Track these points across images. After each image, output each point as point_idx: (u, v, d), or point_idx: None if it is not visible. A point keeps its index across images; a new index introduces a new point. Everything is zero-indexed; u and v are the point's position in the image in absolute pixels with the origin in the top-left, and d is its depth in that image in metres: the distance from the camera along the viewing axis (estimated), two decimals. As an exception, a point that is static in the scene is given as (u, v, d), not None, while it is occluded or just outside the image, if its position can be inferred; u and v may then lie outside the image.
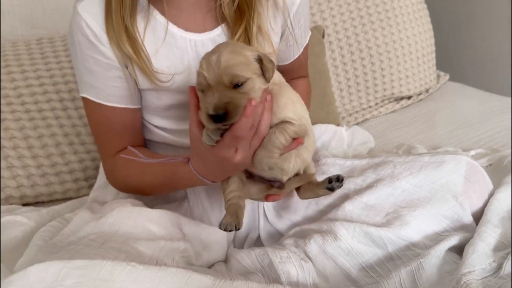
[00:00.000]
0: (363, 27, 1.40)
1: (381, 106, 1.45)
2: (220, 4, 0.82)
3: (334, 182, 0.76)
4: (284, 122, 0.70)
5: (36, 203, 1.02)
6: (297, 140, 0.71)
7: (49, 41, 1.20)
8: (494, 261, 0.70)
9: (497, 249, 0.72)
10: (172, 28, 0.81)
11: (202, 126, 0.67)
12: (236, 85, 0.64)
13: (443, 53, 1.85)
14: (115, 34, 0.77)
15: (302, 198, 0.83)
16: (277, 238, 0.88)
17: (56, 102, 1.09)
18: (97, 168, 1.08)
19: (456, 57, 1.98)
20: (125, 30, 0.78)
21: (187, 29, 0.82)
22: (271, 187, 0.79)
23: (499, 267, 0.68)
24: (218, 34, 0.83)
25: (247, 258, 0.78)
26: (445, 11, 1.97)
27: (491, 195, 0.85)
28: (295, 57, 0.95)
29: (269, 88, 0.70)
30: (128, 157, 0.82)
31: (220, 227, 0.70)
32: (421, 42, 1.49)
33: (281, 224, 0.90)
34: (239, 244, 0.90)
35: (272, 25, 0.87)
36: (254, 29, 0.82)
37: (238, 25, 0.81)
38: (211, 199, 0.88)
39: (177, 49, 0.82)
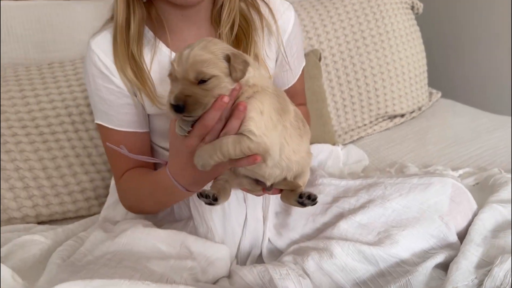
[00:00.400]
0: (357, 50, 1.47)
1: (375, 125, 1.52)
2: (219, 34, 0.89)
3: (304, 198, 0.77)
4: (243, 134, 0.69)
5: (51, 221, 1.09)
6: (252, 157, 0.69)
7: (60, 65, 1.27)
8: (476, 277, 0.76)
9: (479, 266, 0.78)
10: None
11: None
12: (201, 81, 0.67)
13: (435, 71, 1.92)
14: (122, 65, 0.85)
15: (282, 200, 0.85)
16: (277, 255, 0.94)
17: (68, 125, 1.15)
18: (106, 187, 1.14)
19: (448, 74, 2.06)
20: (133, 62, 0.86)
21: None
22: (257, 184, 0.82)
23: (480, 284, 0.74)
24: None
25: (249, 274, 0.84)
26: (437, 31, 2.05)
27: (475, 214, 0.91)
28: (290, 85, 1.01)
29: (242, 90, 0.70)
30: (129, 173, 0.91)
31: (198, 195, 0.74)
32: (414, 63, 1.56)
33: (281, 242, 0.96)
34: (241, 261, 0.95)
35: (267, 51, 0.95)
36: (251, 56, 0.89)
37: None
38: (215, 218, 0.94)
39: None
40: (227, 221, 0.93)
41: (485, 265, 0.78)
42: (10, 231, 0.97)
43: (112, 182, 1.06)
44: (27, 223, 1.04)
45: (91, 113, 1.19)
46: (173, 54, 0.89)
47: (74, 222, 1.07)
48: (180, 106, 0.66)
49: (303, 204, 0.78)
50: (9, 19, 1.31)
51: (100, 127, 0.93)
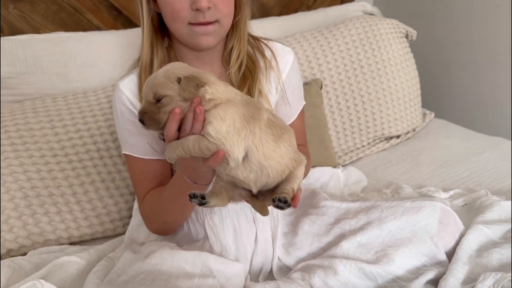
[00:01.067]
0: (356, 77, 1.60)
1: (373, 146, 1.64)
2: (229, 73, 1.04)
3: (276, 201, 0.81)
4: (202, 135, 0.78)
5: (81, 242, 1.20)
6: (215, 155, 0.77)
7: (83, 96, 1.37)
8: (462, 293, 0.88)
9: (465, 282, 0.90)
10: None
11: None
12: (158, 101, 0.79)
13: (429, 92, 2.04)
14: None
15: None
16: (286, 272, 1.05)
17: (93, 152, 1.26)
18: (129, 209, 1.25)
19: (441, 95, 2.18)
20: None
21: None
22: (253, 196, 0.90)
23: (465, 299, 0.86)
24: None
25: (263, 291, 0.95)
26: (430, 52, 2.17)
27: (461, 234, 1.03)
28: (290, 121, 1.12)
29: (203, 104, 0.79)
30: (150, 192, 1.03)
31: (189, 197, 0.82)
32: (408, 88, 1.69)
33: (289, 260, 1.06)
34: (254, 276, 1.06)
35: (269, 88, 1.09)
36: (256, 92, 1.04)
37: (242, 89, 1.02)
38: (228, 237, 1.05)
39: None
40: (239, 240, 1.05)
41: (470, 282, 0.90)
42: (47, 252, 1.08)
43: (135, 205, 1.17)
44: (61, 244, 1.16)
45: (114, 141, 1.30)
46: None
47: (102, 242, 1.19)
48: (141, 121, 0.80)
49: (278, 207, 0.81)
50: (35, 52, 1.42)
51: (127, 157, 1.05)
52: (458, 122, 1.86)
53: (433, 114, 1.87)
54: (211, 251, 1.04)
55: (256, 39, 1.09)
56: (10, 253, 1.10)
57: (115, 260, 1.04)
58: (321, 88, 1.51)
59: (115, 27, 1.70)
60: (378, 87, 1.62)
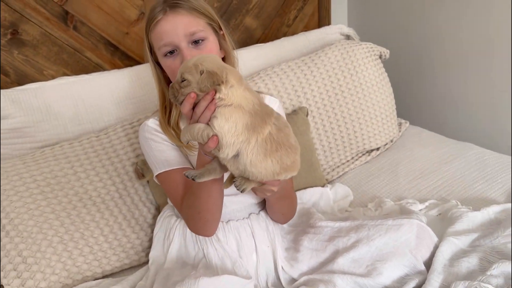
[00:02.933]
0: (338, 101, 1.78)
1: (356, 160, 1.84)
2: None
3: (235, 182, 1.02)
4: (207, 125, 0.94)
5: (112, 274, 1.37)
6: (211, 140, 0.93)
7: (96, 138, 1.50)
8: (437, 299, 1.08)
9: (440, 290, 1.11)
10: None
11: None
12: (182, 81, 0.96)
13: (403, 100, 2.24)
14: (167, 133, 1.24)
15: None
16: (291, 282, 1.25)
17: (114, 193, 1.42)
18: (150, 240, 1.43)
19: (414, 102, 2.38)
20: (173, 130, 1.25)
21: None
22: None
23: (440, 303, 1.07)
24: None
25: (274, 305, 1.15)
26: (402, 62, 2.37)
27: (436, 246, 1.23)
28: None
29: (221, 101, 0.94)
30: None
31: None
32: (384, 105, 1.88)
33: (293, 272, 1.26)
34: (263, 285, 1.25)
35: None
36: None
37: None
38: (232, 247, 1.24)
39: None
40: (241, 251, 1.25)
41: (444, 289, 1.11)
42: (86, 287, 1.25)
43: (155, 232, 1.34)
44: (96, 278, 1.32)
45: (130, 180, 1.46)
46: None
47: (129, 272, 1.37)
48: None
49: (237, 187, 1.01)
50: (46, 99, 1.54)
51: (161, 176, 1.23)
52: (430, 127, 2.07)
53: (408, 123, 2.07)
54: (224, 269, 1.22)
55: None
56: (55, 293, 1.27)
57: (147, 288, 1.22)
58: (307, 115, 1.69)
59: (113, 62, 1.84)
60: (358, 107, 1.81)
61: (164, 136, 1.24)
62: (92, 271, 1.31)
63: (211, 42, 1.22)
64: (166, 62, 1.21)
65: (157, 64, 1.27)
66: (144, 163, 1.47)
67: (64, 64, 1.76)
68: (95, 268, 1.32)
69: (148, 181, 1.48)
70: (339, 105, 1.78)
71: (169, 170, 1.21)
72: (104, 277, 1.35)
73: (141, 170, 1.47)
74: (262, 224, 1.29)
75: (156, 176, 1.24)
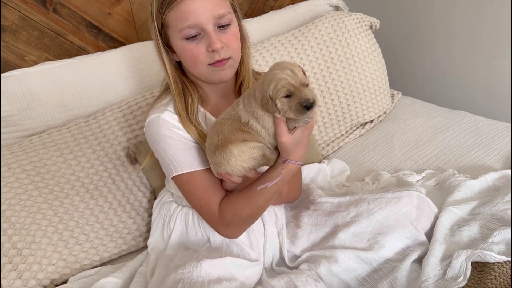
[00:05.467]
0: (330, 74, 1.75)
1: (351, 133, 1.82)
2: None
3: None
4: None
5: (110, 261, 1.35)
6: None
7: (85, 123, 1.46)
8: (441, 268, 1.07)
9: (442, 259, 1.10)
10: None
11: (290, 130, 1.02)
12: (305, 85, 0.98)
13: (394, 71, 2.22)
14: (189, 131, 1.14)
15: None
16: (294, 259, 1.24)
17: (106, 178, 1.39)
18: (147, 224, 1.40)
19: (406, 72, 2.36)
20: (195, 128, 1.15)
21: None
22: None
23: (444, 273, 1.06)
24: None
25: (279, 284, 1.12)
26: (392, 32, 2.34)
27: (436, 216, 1.23)
28: None
29: None
30: (229, 197, 1.13)
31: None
32: (376, 77, 1.86)
33: (295, 248, 1.25)
34: (267, 266, 1.24)
35: None
36: None
37: None
38: (250, 237, 1.22)
39: None
40: (251, 235, 1.22)
41: (446, 258, 1.10)
42: (85, 276, 1.23)
43: (153, 218, 1.31)
44: (94, 266, 1.30)
45: (122, 165, 1.43)
46: (213, 118, 1.20)
47: (128, 258, 1.35)
48: (312, 103, 0.96)
49: None
50: (30, 86, 1.48)
51: (182, 178, 1.13)
52: (423, 97, 2.06)
53: (400, 94, 2.05)
54: (229, 251, 1.20)
55: (256, 72, 1.28)
56: (54, 283, 1.24)
57: (147, 274, 1.20)
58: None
59: (97, 45, 1.78)
60: (350, 80, 1.78)
61: (181, 132, 1.13)
62: (90, 259, 1.29)
63: (235, 27, 1.14)
64: (187, 46, 1.10)
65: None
66: (136, 147, 1.43)
67: (46, 49, 1.69)
68: (93, 256, 1.29)
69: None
70: (331, 78, 1.75)
71: (193, 172, 1.12)
72: (102, 264, 1.33)
73: (133, 155, 1.43)
74: (270, 208, 1.29)
75: (175, 177, 1.14)
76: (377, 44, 1.90)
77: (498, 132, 1.64)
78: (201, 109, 1.21)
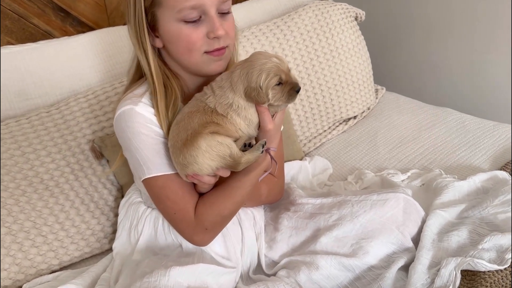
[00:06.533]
0: (313, 67, 1.66)
1: (333, 129, 1.74)
2: None
3: None
4: None
5: (71, 265, 1.23)
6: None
7: (47, 114, 1.34)
8: (428, 277, 1.00)
9: (430, 267, 1.03)
10: None
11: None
12: (289, 70, 0.96)
13: (378, 66, 2.15)
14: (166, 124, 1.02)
15: None
16: (272, 265, 1.15)
17: (68, 174, 1.27)
18: (112, 225, 1.29)
19: (390, 67, 2.30)
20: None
21: None
22: None
23: (432, 282, 0.99)
24: None
25: (255, 293, 1.05)
26: (376, 27, 2.26)
27: (423, 220, 1.16)
28: None
29: None
30: (205, 199, 1.03)
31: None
32: (361, 70, 1.78)
33: (273, 254, 1.16)
34: (244, 273, 1.15)
35: None
36: None
37: None
38: (217, 240, 1.11)
39: None
40: (228, 240, 1.13)
41: (434, 265, 1.03)
42: (41, 282, 1.11)
43: (120, 220, 1.21)
44: (53, 271, 1.18)
45: (86, 159, 1.31)
46: None
47: (91, 261, 1.24)
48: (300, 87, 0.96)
49: None
50: (-12, 72, 1.35)
51: (158, 181, 1.01)
52: (406, 93, 1.99)
53: (384, 89, 1.98)
54: (202, 257, 1.11)
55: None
56: (6, 290, 1.12)
57: (110, 282, 1.09)
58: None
59: (64, 29, 1.65)
60: (334, 73, 1.70)
61: (157, 128, 1.01)
62: (48, 263, 1.17)
63: (232, 15, 1.05)
64: (184, 30, 0.98)
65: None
66: (102, 140, 1.32)
67: (7, 32, 1.55)
68: (51, 260, 1.18)
69: (108, 161, 1.33)
70: (314, 71, 1.66)
71: (171, 174, 1.01)
72: (62, 268, 1.21)
73: (99, 149, 1.31)
74: (248, 211, 1.20)
75: (147, 179, 1.02)
76: (362, 37, 1.83)
77: (485, 131, 1.59)
78: (180, 105, 1.08)
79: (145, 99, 1.03)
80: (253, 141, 1.02)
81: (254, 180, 1.04)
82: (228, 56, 1.06)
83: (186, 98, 1.06)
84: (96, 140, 1.32)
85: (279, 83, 0.94)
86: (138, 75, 1.11)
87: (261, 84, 0.93)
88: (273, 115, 1.00)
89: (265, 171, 1.06)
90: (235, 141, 0.97)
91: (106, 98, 1.41)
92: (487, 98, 1.94)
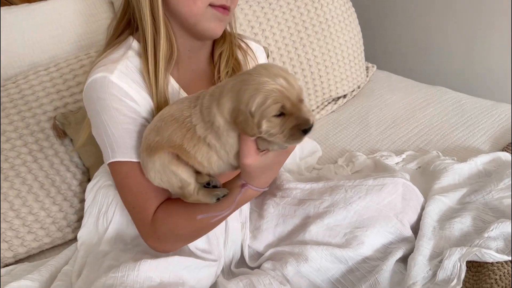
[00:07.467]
0: (301, 40, 1.53)
1: (322, 109, 1.62)
2: (219, 76, 0.99)
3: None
4: None
5: (28, 257, 1.09)
6: None
7: (3, 88, 1.20)
8: (430, 269, 0.90)
9: (431, 258, 0.93)
10: (183, 94, 0.94)
11: (259, 151, 0.77)
12: (301, 100, 0.73)
13: (369, 43, 2.03)
14: (158, 97, 0.88)
15: None
16: (256, 257, 1.04)
17: (26, 155, 1.12)
18: (77, 212, 1.15)
19: (381, 45, 2.18)
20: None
21: None
22: None
23: (434, 274, 0.89)
24: None
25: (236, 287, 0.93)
26: (371, 3, 2.14)
27: (422, 206, 1.05)
28: None
29: None
30: (169, 206, 0.88)
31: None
32: (352, 46, 1.65)
33: (258, 244, 1.05)
34: (226, 267, 1.03)
35: None
36: None
37: None
38: (209, 235, 0.99)
39: None
40: (211, 232, 0.98)
41: (436, 256, 0.93)
42: (-8, 278, 0.97)
43: (86, 206, 1.07)
44: (6, 265, 1.04)
45: (47, 139, 1.16)
46: (181, 89, 0.94)
47: (51, 253, 1.11)
48: (311, 126, 0.72)
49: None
50: None
51: (123, 167, 0.88)
52: (398, 71, 1.88)
53: (375, 67, 1.87)
54: (179, 250, 0.98)
55: (236, 37, 1.04)
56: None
57: (72, 276, 0.96)
58: (268, 57, 1.43)
59: (27, -1, 1.49)
60: (323, 47, 1.57)
61: (133, 104, 0.86)
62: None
63: None
64: None
65: None
66: (65, 116, 1.17)
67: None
68: (4, 252, 1.04)
69: (72, 140, 1.19)
70: (302, 44, 1.53)
71: (137, 162, 0.86)
72: (17, 262, 1.07)
73: (61, 126, 1.17)
74: None
75: (112, 163, 0.88)
76: (353, 9, 1.69)
77: (483, 111, 1.49)
78: (174, 84, 0.95)
79: (123, 66, 0.87)
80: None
81: (226, 214, 0.86)
82: (227, 22, 0.96)
83: (174, 67, 0.94)
84: (58, 117, 1.17)
85: (281, 114, 0.72)
86: (121, 30, 0.95)
87: (253, 110, 0.71)
88: (263, 150, 0.79)
89: (221, 211, 0.86)
90: (197, 173, 0.82)
91: (70, 71, 1.26)
92: (483, 78, 1.84)
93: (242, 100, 0.71)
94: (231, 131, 0.75)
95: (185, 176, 0.80)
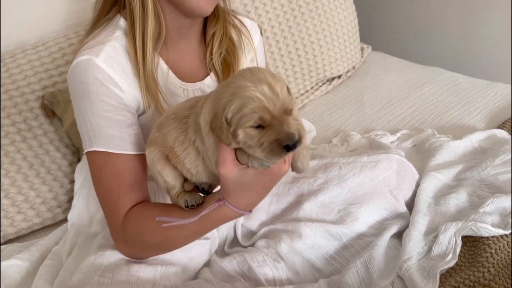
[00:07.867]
0: (295, 19, 1.50)
1: (316, 90, 1.60)
2: (211, 58, 0.96)
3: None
4: None
5: (18, 238, 1.07)
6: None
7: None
8: (425, 244, 0.89)
9: (426, 233, 0.92)
10: (172, 75, 0.92)
11: (238, 163, 0.71)
12: (289, 112, 0.65)
13: (364, 23, 2.00)
14: (146, 78, 0.85)
15: None
16: (250, 236, 1.03)
17: (14, 135, 1.10)
18: (67, 193, 1.13)
19: (376, 26, 2.15)
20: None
21: (182, 78, 0.93)
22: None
23: (429, 250, 0.88)
24: (208, 84, 0.96)
25: (230, 265, 0.91)
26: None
27: (417, 183, 1.04)
28: None
29: None
30: (143, 208, 0.83)
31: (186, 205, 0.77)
32: (346, 25, 1.63)
33: (252, 223, 1.03)
34: (220, 247, 1.02)
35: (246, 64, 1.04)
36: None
37: (226, 74, 0.95)
38: None
39: (173, 94, 0.92)
40: None
41: (431, 232, 0.92)
42: (-20, 258, 0.95)
43: (76, 187, 1.05)
44: (-4, 246, 1.03)
45: (35, 118, 1.14)
46: (170, 71, 0.92)
47: (42, 233, 1.09)
48: (297, 142, 0.64)
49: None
50: None
51: (98, 157, 0.83)
52: (393, 53, 1.86)
53: (370, 48, 1.85)
54: None
55: (229, 14, 1.00)
56: None
57: (63, 256, 0.95)
58: (261, 35, 1.40)
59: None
60: (318, 27, 1.54)
61: (117, 90, 0.83)
62: (-12, 236, 1.02)
63: None
64: None
65: None
66: (53, 95, 1.15)
67: None
68: (-7, 233, 1.02)
69: (61, 119, 1.17)
70: (296, 23, 1.50)
71: (113, 154, 0.82)
72: (7, 242, 1.06)
73: (50, 105, 1.14)
74: None
75: (89, 152, 0.84)
76: (348, -13, 1.67)
77: (479, 90, 1.47)
78: (162, 65, 0.91)
79: (109, 48, 0.84)
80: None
81: (192, 228, 0.80)
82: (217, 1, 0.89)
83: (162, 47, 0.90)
84: (46, 96, 1.15)
85: (259, 126, 0.65)
86: (109, 7, 0.92)
87: (229, 116, 0.65)
88: (244, 164, 0.71)
89: (184, 218, 0.79)
90: (185, 179, 0.79)
91: (58, 50, 1.24)
92: (480, 59, 1.82)
93: (219, 104, 0.66)
94: (212, 136, 0.70)
95: (169, 179, 0.78)
